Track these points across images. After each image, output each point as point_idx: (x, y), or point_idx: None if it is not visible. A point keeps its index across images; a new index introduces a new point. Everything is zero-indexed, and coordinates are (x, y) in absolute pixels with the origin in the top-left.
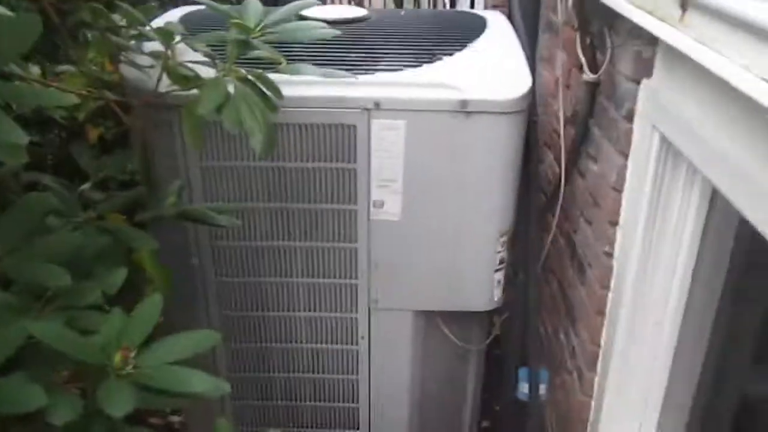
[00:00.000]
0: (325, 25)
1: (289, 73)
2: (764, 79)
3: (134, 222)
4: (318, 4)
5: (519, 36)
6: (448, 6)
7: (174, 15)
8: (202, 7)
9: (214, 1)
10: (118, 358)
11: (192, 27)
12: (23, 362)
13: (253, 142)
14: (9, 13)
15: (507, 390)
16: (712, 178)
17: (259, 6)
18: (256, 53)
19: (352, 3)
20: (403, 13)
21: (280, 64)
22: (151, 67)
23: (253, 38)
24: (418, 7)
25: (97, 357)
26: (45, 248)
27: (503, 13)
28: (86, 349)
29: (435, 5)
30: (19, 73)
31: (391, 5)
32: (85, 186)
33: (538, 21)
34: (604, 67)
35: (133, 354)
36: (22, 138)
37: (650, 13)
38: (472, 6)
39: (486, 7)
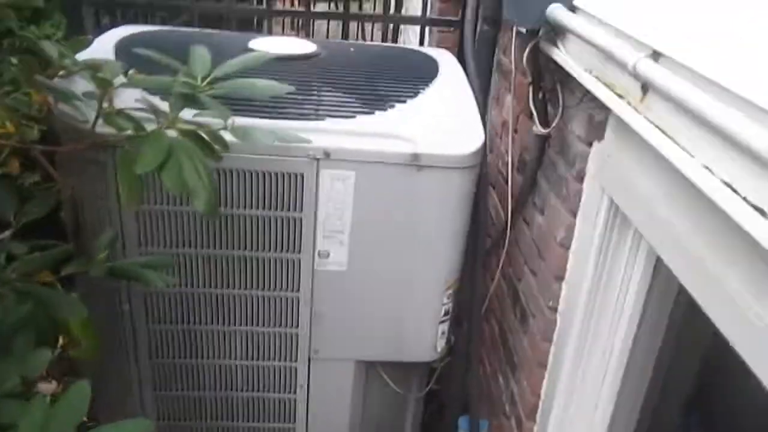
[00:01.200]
0: (274, 82)
1: (239, 138)
2: (726, 183)
3: (60, 277)
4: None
5: (470, 77)
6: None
7: (107, 43)
8: (138, 29)
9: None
10: None
11: (129, 59)
12: None
13: (197, 203)
14: None
15: None
16: (656, 247)
17: (207, 57)
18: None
19: (299, 28)
20: (352, 49)
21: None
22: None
23: (200, 92)
24: (364, 37)
25: None
26: None
27: (451, 48)
28: None
29: (383, 37)
30: None
31: (335, 32)
32: (6, 234)
33: (492, 63)
34: (555, 122)
35: None
36: None
37: (609, 86)
38: (421, 41)
39: (431, 42)
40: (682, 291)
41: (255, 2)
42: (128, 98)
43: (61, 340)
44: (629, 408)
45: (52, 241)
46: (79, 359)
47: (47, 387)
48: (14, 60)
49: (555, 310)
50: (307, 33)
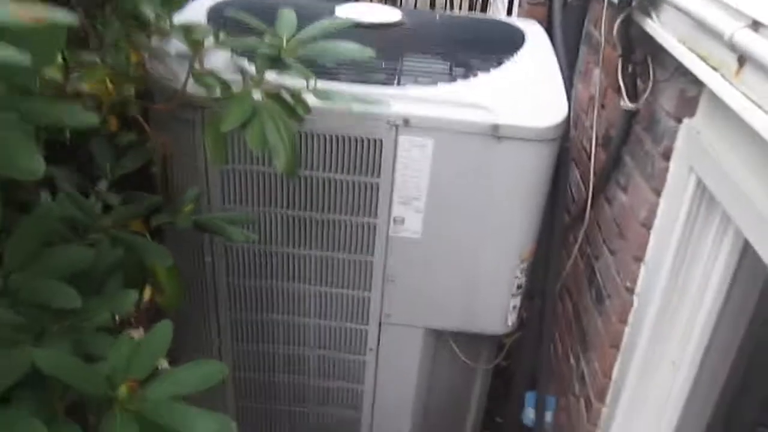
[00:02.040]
0: (358, 45)
1: (319, 98)
2: None
3: (150, 228)
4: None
5: (557, 50)
6: (480, 6)
7: (200, 7)
8: None
9: None
10: (124, 390)
11: (220, 23)
12: (25, 387)
13: (277, 161)
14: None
15: (512, 409)
16: (744, 230)
17: (293, 20)
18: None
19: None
20: (438, 17)
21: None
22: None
23: (284, 54)
24: (452, 8)
25: (102, 388)
26: (55, 264)
27: (541, 22)
28: (91, 380)
29: (470, 8)
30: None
31: (423, 4)
32: (101, 185)
33: (580, 36)
34: (644, 97)
35: (140, 386)
36: (41, 165)
37: (703, 59)
38: (509, 11)
39: (521, 15)
40: None
41: None
42: (217, 60)
43: (148, 293)
44: (704, 398)
45: (144, 193)
46: (164, 307)
47: (134, 333)
48: (114, 24)
49: (632, 291)
50: (394, 3)
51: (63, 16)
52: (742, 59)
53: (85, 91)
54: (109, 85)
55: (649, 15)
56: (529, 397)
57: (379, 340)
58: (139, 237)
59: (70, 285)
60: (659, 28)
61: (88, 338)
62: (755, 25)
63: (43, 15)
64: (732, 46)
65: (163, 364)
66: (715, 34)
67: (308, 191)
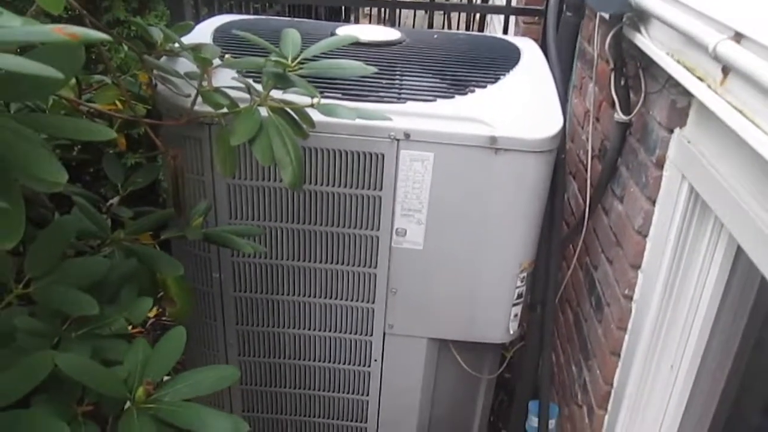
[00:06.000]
0: (360, 63)
1: (323, 113)
2: None
3: (160, 240)
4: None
5: (551, 65)
6: (477, 25)
7: (206, 29)
8: (233, 18)
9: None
10: (140, 392)
11: (226, 44)
12: (45, 391)
13: (284, 174)
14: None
15: (516, 418)
16: (737, 236)
17: (298, 39)
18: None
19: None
20: (436, 36)
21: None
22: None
23: (289, 71)
24: (449, 26)
25: (120, 390)
26: (73, 274)
27: (536, 40)
28: (109, 382)
29: (467, 26)
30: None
31: (421, 23)
32: (114, 200)
33: (574, 51)
34: (637, 109)
35: (155, 388)
36: (63, 176)
37: (690, 70)
38: (505, 30)
39: (517, 34)
40: (764, 283)
41: None
42: (224, 79)
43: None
44: (703, 403)
45: (154, 208)
46: (174, 318)
47: None
48: (124, 47)
49: (630, 298)
50: (392, 24)
51: (95, 35)
52: (726, 69)
53: (97, 109)
54: (119, 105)
55: (638, 30)
56: (532, 405)
57: (383, 351)
58: (150, 248)
59: (87, 294)
60: (649, 42)
61: (105, 344)
62: (737, 37)
63: (77, 33)
64: (716, 57)
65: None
66: (700, 47)
67: (312, 205)
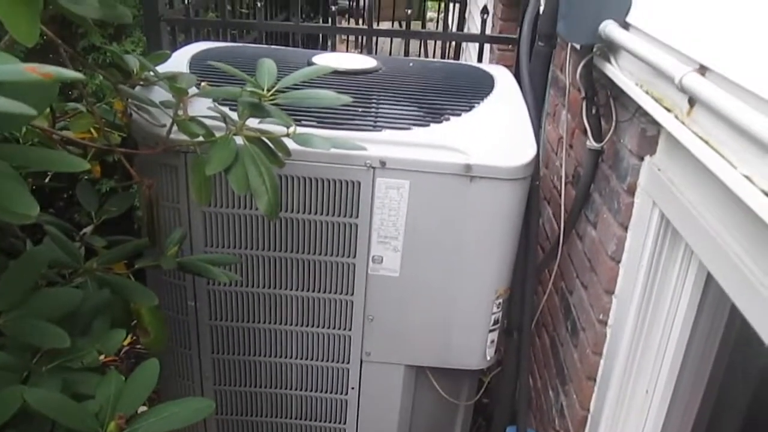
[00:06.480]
0: (334, 93)
1: (299, 143)
2: (764, 192)
3: (134, 269)
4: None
5: (525, 93)
6: (453, 52)
7: (183, 57)
8: (210, 45)
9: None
10: (112, 427)
11: (202, 71)
12: (16, 425)
13: (259, 203)
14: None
15: None
16: (706, 263)
17: (273, 69)
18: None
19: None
20: (411, 64)
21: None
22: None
23: (265, 101)
24: (426, 54)
25: (91, 425)
26: (44, 305)
27: (510, 66)
28: (80, 418)
29: (442, 53)
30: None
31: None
32: (87, 229)
33: (547, 79)
34: (608, 137)
35: (127, 422)
36: (34, 209)
37: (658, 100)
38: (480, 57)
39: (492, 61)
40: (735, 309)
41: (321, 21)
42: (200, 108)
43: (127, 339)
44: (678, 428)
45: (128, 237)
46: (149, 348)
47: None
48: (99, 74)
49: (605, 323)
50: (369, 51)
51: (69, 74)
52: (692, 101)
53: (71, 138)
54: (94, 133)
55: (608, 60)
56: (510, 431)
57: (360, 378)
58: (123, 278)
59: (59, 326)
60: (618, 73)
61: (76, 377)
62: (702, 69)
63: (50, 72)
64: (682, 89)
65: (141, 409)
66: (667, 78)
67: (289, 233)
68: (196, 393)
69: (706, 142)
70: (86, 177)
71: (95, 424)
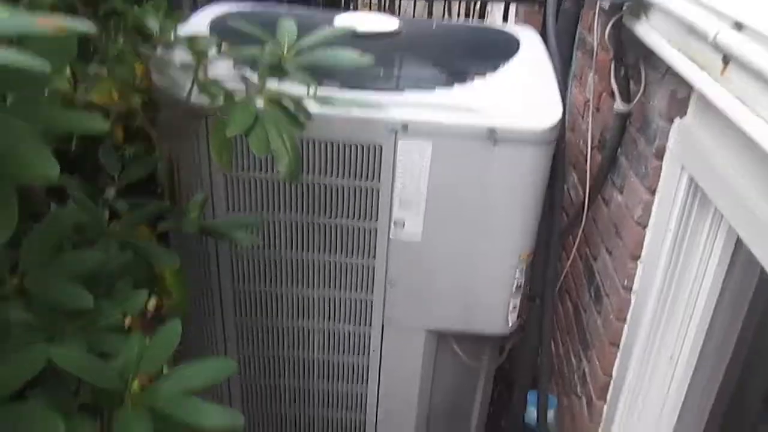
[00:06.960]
0: (356, 53)
1: (320, 104)
2: None
3: (157, 233)
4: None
5: (551, 55)
6: (477, 14)
7: (203, 19)
8: (232, 6)
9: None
10: (136, 385)
11: (222, 34)
12: (40, 385)
13: (280, 165)
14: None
15: (515, 409)
16: (736, 227)
17: (293, 29)
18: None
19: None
20: (434, 25)
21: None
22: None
23: (286, 62)
24: (449, 15)
25: (116, 383)
26: (67, 266)
27: (536, 28)
28: (104, 375)
29: (467, 14)
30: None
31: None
32: (110, 192)
33: (574, 41)
34: (637, 99)
35: (151, 381)
36: (55, 171)
37: (691, 59)
38: (505, 17)
39: (518, 21)
40: (764, 274)
41: None
42: (221, 70)
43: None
44: (703, 393)
45: (151, 200)
46: (172, 311)
47: None
48: (119, 38)
49: (630, 289)
50: (392, 13)
51: (82, 25)
52: (727, 58)
53: (92, 101)
54: (115, 96)
55: (638, 18)
56: (531, 396)
57: (382, 342)
58: (146, 241)
59: (82, 287)
60: (649, 31)
61: (100, 337)
62: (737, 26)
63: (64, 24)
64: (716, 47)
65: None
66: (700, 36)
67: (310, 197)
68: (219, 355)
69: (742, 101)
70: (109, 142)
71: (119, 383)
